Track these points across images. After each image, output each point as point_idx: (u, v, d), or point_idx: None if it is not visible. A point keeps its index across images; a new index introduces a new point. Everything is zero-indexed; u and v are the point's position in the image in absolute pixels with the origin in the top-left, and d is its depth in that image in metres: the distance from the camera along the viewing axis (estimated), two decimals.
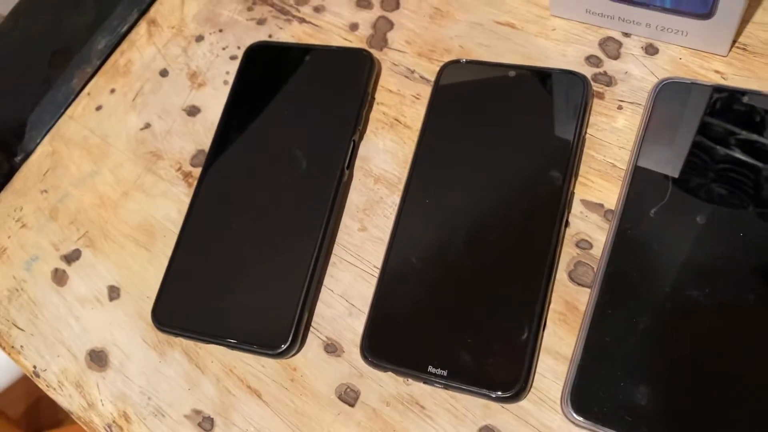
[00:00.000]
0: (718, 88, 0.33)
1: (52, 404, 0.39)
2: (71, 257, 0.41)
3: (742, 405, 0.28)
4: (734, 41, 0.35)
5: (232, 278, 0.36)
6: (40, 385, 0.39)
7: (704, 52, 0.35)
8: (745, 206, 0.31)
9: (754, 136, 0.32)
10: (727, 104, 0.33)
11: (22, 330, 0.40)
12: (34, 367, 0.39)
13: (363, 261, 0.36)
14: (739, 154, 0.32)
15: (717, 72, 0.35)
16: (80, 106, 0.46)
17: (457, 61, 0.38)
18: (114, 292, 0.39)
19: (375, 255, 0.36)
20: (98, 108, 0.45)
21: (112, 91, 0.46)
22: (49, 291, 0.41)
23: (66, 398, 0.38)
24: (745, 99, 0.33)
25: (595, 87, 0.36)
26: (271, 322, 0.35)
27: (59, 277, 0.41)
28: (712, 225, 0.31)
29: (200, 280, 0.37)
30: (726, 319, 0.29)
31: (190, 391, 0.36)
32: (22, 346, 0.40)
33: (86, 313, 0.39)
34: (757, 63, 0.34)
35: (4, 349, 0.40)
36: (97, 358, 0.38)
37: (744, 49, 0.35)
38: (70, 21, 0.47)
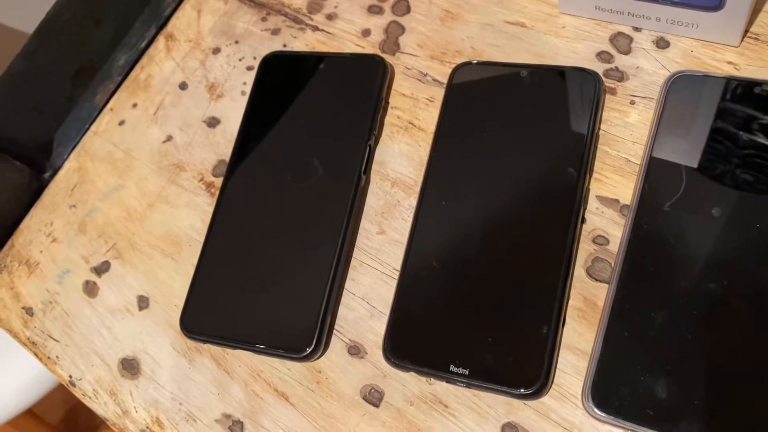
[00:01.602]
0: (730, 80, 0.33)
1: (89, 411, 0.41)
2: (101, 269, 0.43)
3: (765, 397, 0.28)
4: (746, 31, 0.35)
5: (255, 284, 0.37)
6: (76, 394, 0.40)
7: (716, 44, 0.35)
8: (762, 197, 0.31)
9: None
10: (740, 95, 0.33)
11: (57, 341, 0.42)
12: (70, 376, 0.41)
13: (383, 264, 0.37)
14: (753, 145, 0.32)
15: (730, 63, 0.35)
16: (104, 122, 0.47)
17: (468, 63, 0.38)
18: (143, 302, 0.41)
19: (394, 257, 0.37)
20: (121, 123, 0.47)
21: (134, 105, 0.47)
22: (81, 302, 0.42)
23: (101, 406, 0.39)
24: (758, 89, 0.32)
25: (607, 83, 0.36)
26: (296, 326, 0.35)
27: (90, 289, 0.42)
28: (728, 217, 0.31)
29: (225, 288, 0.38)
30: (745, 311, 0.29)
31: (219, 396, 0.37)
32: (57, 357, 0.41)
33: (117, 323, 0.41)
34: None
35: (41, 360, 0.42)
36: (129, 367, 0.39)
37: (756, 38, 0.35)
38: (92, 39, 0.49)
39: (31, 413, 0.83)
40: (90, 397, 0.40)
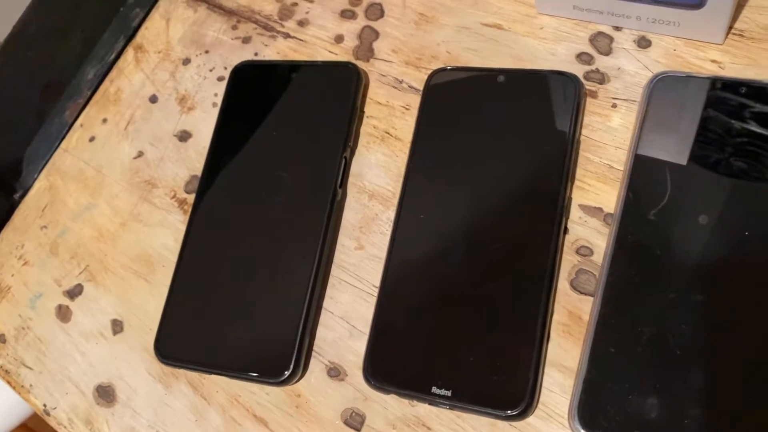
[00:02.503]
0: (715, 80, 0.32)
1: None
2: (74, 292, 0.41)
3: (756, 414, 0.27)
4: (730, 28, 0.33)
5: (230, 306, 0.36)
6: (50, 423, 0.39)
7: (699, 42, 0.34)
8: (751, 202, 0.30)
9: (755, 129, 0.30)
10: (724, 96, 0.31)
11: (31, 368, 0.40)
12: (44, 405, 0.39)
13: (362, 281, 0.36)
14: (740, 148, 0.30)
15: (714, 61, 0.33)
16: (74, 138, 0.46)
17: (443, 69, 0.37)
18: (117, 326, 0.39)
19: (374, 274, 0.35)
20: (91, 139, 0.45)
21: (104, 120, 0.45)
22: (55, 328, 0.41)
23: None
24: (744, 89, 0.31)
25: (588, 85, 0.35)
26: (273, 350, 0.34)
27: (63, 314, 0.41)
28: (716, 224, 0.30)
29: (199, 310, 0.36)
30: (735, 324, 0.28)
31: (196, 423, 0.36)
32: (31, 385, 0.40)
33: (91, 348, 0.39)
34: (755, 49, 0.33)
35: (14, 388, 0.41)
36: (105, 394, 0.38)
37: (741, 35, 0.33)
38: (59, 53, 0.47)
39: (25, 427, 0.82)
40: (65, 427, 0.38)
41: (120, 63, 0.47)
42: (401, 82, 0.39)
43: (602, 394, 0.29)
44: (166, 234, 0.40)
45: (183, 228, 0.39)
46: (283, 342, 0.34)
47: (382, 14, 0.41)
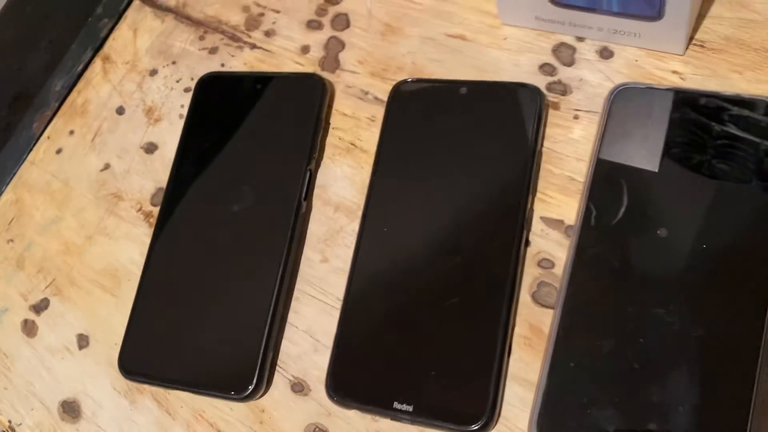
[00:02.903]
0: (675, 91, 0.32)
1: None
2: (40, 307, 0.41)
3: (714, 426, 0.27)
4: (691, 38, 0.34)
5: (194, 321, 0.36)
6: None
7: (661, 52, 0.34)
8: (710, 215, 0.30)
9: (715, 141, 0.30)
10: (685, 107, 0.31)
11: None
12: (9, 421, 0.39)
13: (326, 294, 0.35)
14: (700, 161, 0.30)
15: (675, 72, 0.33)
16: (41, 151, 0.45)
17: (405, 81, 0.36)
18: (83, 341, 0.39)
19: (338, 287, 0.35)
20: (58, 151, 0.45)
21: (71, 132, 0.45)
22: (20, 343, 0.40)
23: None
24: (704, 101, 0.31)
25: (550, 97, 0.35)
26: (236, 365, 0.34)
27: (29, 328, 0.41)
28: (675, 237, 0.30)
29: (163, 325, 0.36)
30: (693, 338, 0.28)
31: None
32: None
33: (57, 363, 0.39)
34: (716, 60, 0.33)
35: None
36: (70, 409, 0.38)
37: (702, 45, 0.33)
38: (27, 64, 0.47)
39: None
40: None
41: (87, 74, 0.46)
42: (367, 93, 0.39)
43: (562, 407, 0.29)
44: (132, 247, 0.40)
45: (148, 241, 0.39)
46: (247, 357, 0.34)
47: (348, 25, 0.41)
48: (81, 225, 0.42)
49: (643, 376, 0.28)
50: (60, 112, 0.46)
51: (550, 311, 0.31)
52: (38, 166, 0.45)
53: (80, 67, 0.47)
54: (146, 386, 0.37)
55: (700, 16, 0.34)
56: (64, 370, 0.39)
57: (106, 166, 0.43)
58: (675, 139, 0.31)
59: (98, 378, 0.38)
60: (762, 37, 0.33)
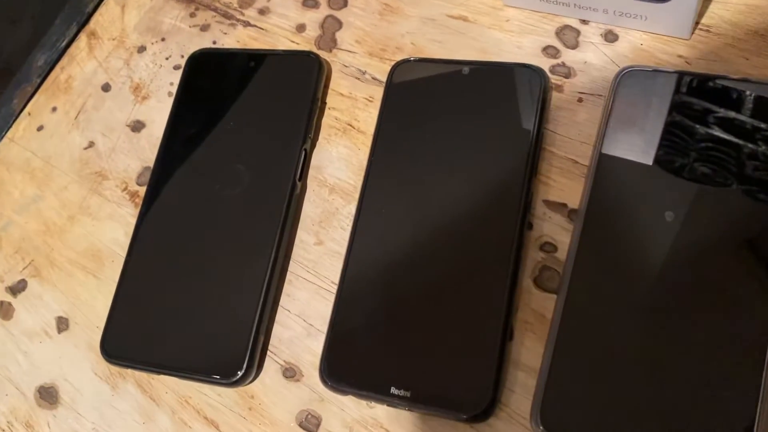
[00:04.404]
0: (681, 74, 0.31)
1: None
2: (17, 288, 0.39)
3: (721, 415, 0.26)
4: (697, 23, 0.33)
5: (182, 303, 0.34)
6: None
7: (666, 36, 0.33)
8: (718, 199, 0.29)
9: (720, 124, 0.30)
10: (692, 90, 0.31)
11: None
12: None
13: (320, 277, 0.34)
14: (707, 143, 0.30)
15: (680, 57, 0.33)
16: (21, 127, 0.44)
17: (407, 60, 0.35)
18: (62, 324, 0.37)
19: (333, 270, 0.34)
20: (40, 128, 0.43)
21: (54, 109, 0.43)
22: None
23: None
24: (711, 83, 0.31)
25: (554, 79, 0.34)
26: (225, 349, 0.33)
27: (5, 311, 0.39)
28: (683, 221, 0.29)
29: (149, 308, 0.35)
30: (701, 323, 0.27)
31: (144, 426, 0.34)
32: None
33: (34, 347, 0.37)
34: (721, 44, 0.33)
35: None
36: (48, 395, 0.36)
37: (707, 30, 0.33)
38: (8, 39, 0.45)
39: None
40: (4, 430, 0.36)
41: (72, 50, 0.45)
42: (364, 73, 0.38)
43: (564, 393, 0.28)
44: (116, 228, 0.39)
45: (134, 222, 0.37)
46: (236, 341, 0.32)
47: (345, 4, 0.40)
48: (62, 204, 0.40)
49: (647, 363, 0.27)
50: (42, 89, 0.44)
51: (553, 296, 0.30)
52: (18, 143, 0.43)
53: (64, 43, 0.45)
54: (129, 371, 0.35)
55: (706, 1, 0.33)
56: (42, 355, 0.37)
57: (90, 144, 0.41)
58: (682, 123, 0.30)
59: (78, 362, 0.36)
60: (767, 21, 0.32)
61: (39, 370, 0.37)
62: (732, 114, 0.30)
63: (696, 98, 0.31)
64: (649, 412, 0.27)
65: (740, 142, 0.29)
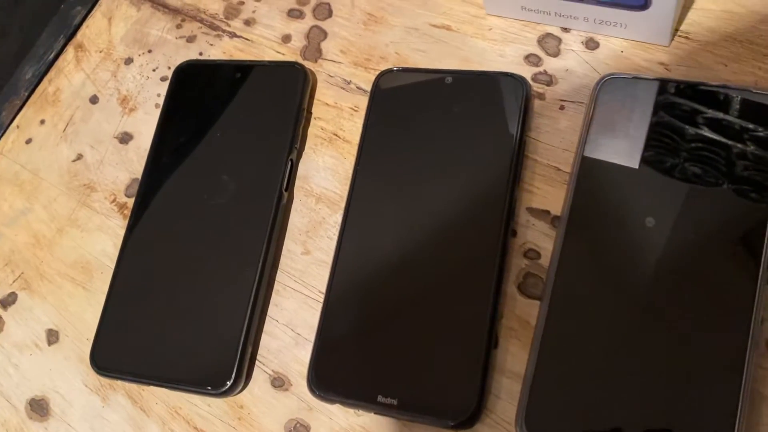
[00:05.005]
0: (661, 81, 0.32)
1: None
2: (7, 301, 0.39)
3: (701, 417, 0.27)
4: (676, 30, 0.33)
5: (170, 314, 0.34)
6: None
7: (646, 44, 0.34)
8: (698, 205, 0.29)
9: (701, 131, 0.30)
10: (672, 97, 0.31)
11: None
12: None
13: (308, 287, 0.34)
14: (687, 149, 0.30)
15: (660, 63, 0.33)
16: (9, 140, 0.44)
17: (390, 70, 0.36)
18: (53, 336, 0.38)
19: (320, 279, 0.34)
20: (28, 141, 0.43)
21: (42, 122, 0.44)
22: None
23: None
24: (689, 91, 0.31)
25: (536, 87, 0.34)
26: (214, 360, 0.33)
27: None
28: (663, 227, 0.29)
29: (138, 319, 0.35)
30: (684, 328, 0.28)
31: None
32: None
33: (25, 359, 0.38)
34: (700, 51, 0.33)
35: None
36: (38, 407, 0.36)
37: (687, 37, 0.33)
38: None
39: None
40: None
41: (59, 62, 0.45)
42: (349, 83, 0.38)
43: (549, 399, 0.28)
44: (105, 240, 0.39)
45: (122, 233, 0.38)
46: (225, 351, 0.33)
47: (330, 14, 0.40)
48: (51, 217, 0.41)
49: (631, 368, 0.28)
50: (30, 101, 0.45)
51: (537, 302, 0.31)
52: (7, 156, 0.43)
53: (52, 55, 0.45)
54: (119, 382, 0.35)
55: (686, 8, 0.34)
56: (33, 367, 0.37)
57: (79, 157, 0.42)
58: (662, 129, 0.31)
59: (68, 374, 0.36)
60: (746, 29, 0.33)
61: (29, 382, 0.37)
62: (711, 121, 0.30)
63: (675, 105, 0.31)
64: (633, 417, 0.27)
65: (721, 148, 0.30)
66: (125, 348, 0.34)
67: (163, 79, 0.41)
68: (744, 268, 0.28)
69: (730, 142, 0.30)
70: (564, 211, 0.31)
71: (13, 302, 0.39)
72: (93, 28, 0.45)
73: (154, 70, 0.42)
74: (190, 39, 0.42)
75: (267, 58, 0.40)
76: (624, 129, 0.31)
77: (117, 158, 0.41)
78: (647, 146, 0.31)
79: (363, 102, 0.37)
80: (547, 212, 0.32)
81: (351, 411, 0.31)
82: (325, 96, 0.38)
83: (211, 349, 0.33)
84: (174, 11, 0.43)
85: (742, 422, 0.26)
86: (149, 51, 0.43)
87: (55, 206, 0.41)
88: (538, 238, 0.32)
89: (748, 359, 0.27)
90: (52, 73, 0.45)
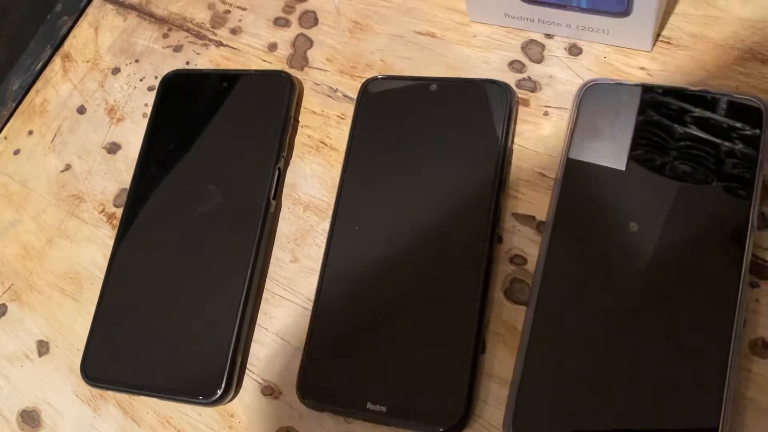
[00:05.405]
0: (643, 87, 0.32)
1: None
2: None
3: (687, 420, 0.27)
4: (658, 35, 0.34)
5: (160, 324, 0.34)
6: None
7: (628, 49, 0.34)
8: (680, 209, 0.30)
9: (683, 135, 0.31)
10: (654, 103, 0.31)
11: None
12: None
13: (297, 294, 0.35)
14: (670, 155, 0.31)
15: (642, 69, 0.34)
16: None
17: (375, 78, 0.36)
18: (43, 347, 0.38)
19: (309, 287, 0.34)
20: (16, 152, 0.43)
21: (30, 132, 0.44)
22: None
23: None
24: (671, 96, 0.31)
25: (520, 94, 0.35)
26: (204, 369, 0.33)
27: None
28: (646, 231, 0.30)
29: (127, 329, 0.35)
30: (668, 331, 0.28)
31: None
32: None
33: (16, 371, 0.38)
34: (682, 56, 0.33)
35: None
36: (30, 419, 0.36)
37: (668, 42, 0.34)
38: None
39: None
40: None
41: (47, 73, 0.45)
42: (336, 90, 0.38)
43: (536, 404, 0.29)
44: (94, 250, 0.39)
45: (111, 244, 0.38)
46: (215, 360, 0.33)
47: (316, 22, 0.40)
48: (40, 228, 0.41)
49: (617, 372, 0.28)
50: (18, 112, 0.45)
51: (523, 308, 0.31)
52: None
53: (39, 66, 0.45)
54: (110, 393, 0.35)
55: (667, 13, 0.34)
56: (24, 378, 0.37)
57: (67, 167, 0.42)
58: (645, 134, 0.31)
59: (59, 385, 0.37)
60: (727, 33, 0.33)
61: (21, 393, 0.37)
62: (693, 125, 0.31)
63: (657, 110, 0.31)
64: (618, 420, 0.27)
65: (703, 153, 0.30)
66: (116, 358, 0.35)
67: (150, 88, 0.42)
68: (726, 271, 0.28)
69: (712, 147, 0.30)
70: (549, 216, 0.31)
71: (3, 314, 0.39)
72: (80, 38, 0.45)
73: (141, 80, 0.42)
74: (177, 48, 0.42)
75: (253, 67, 0.40)
76: (607, 134, 0.32)
77: (105, 168, 0.41)
78: (631, 151, 0.31)
79: (350, 109, 0.37)
80: (533, 218, 0.32)
81: (341, 418, 0.32)
82: (311, 104, 0.38)
83: (201, 358, 0.33)
84: (160, 20, 0.43)
85: (725, 425, 0.26)
86: (136, 61, 0.43)
87: (44, 217, 0.41)
88: (524, 244, 0.32)
89: (731, 362, 0.27)
90: (39, 84, 0.45)
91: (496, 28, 0.36)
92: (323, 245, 0.35)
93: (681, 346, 0.28)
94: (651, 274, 0.29)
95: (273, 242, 0.36)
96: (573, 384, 0.28)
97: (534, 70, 0.35)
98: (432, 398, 0.30)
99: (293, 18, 0.41)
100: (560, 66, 0.35)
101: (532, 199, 0.33)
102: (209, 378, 0.33)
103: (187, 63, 0.42)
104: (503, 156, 0.33)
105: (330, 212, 0.35)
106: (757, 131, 0.30)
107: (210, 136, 0.38)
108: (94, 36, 0.45)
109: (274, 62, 0.40)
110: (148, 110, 0.41)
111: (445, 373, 0.30)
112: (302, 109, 0.38)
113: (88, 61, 0.44)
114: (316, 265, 0.35)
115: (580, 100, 0.32)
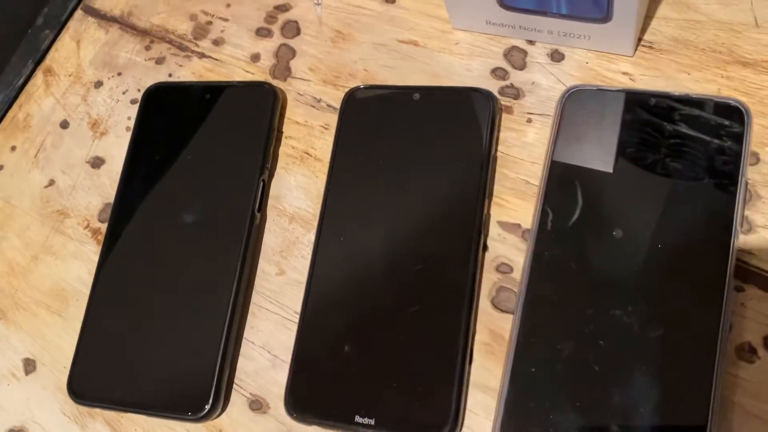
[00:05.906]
0: (625, 92, 0.32)
1: None
2: None
3: (676, 426, 0.27)
4: (639, 40, 0.34)
5: (146, 340, 0.34)
6: None
7: (610, 54, 0.34)
8: (664, 215, 0.30)
9: (665, 140, 0.31)
10: (636, 108, 0.31)
11: None
12: None
13: (283, 307, 0.34)
14: (652, 160, 0.31)
15: (625, 74, 0.34)
16: None
17: (358, 88, 0.36)
18: (30, 365, 0.37)
19: (296, 300, 0.34)
20: None
21: (13, 148, 0.43)
22: None
23: None
24: (653, 101, 0.31)
25: (503, 101, 0.35)
26: (191, 384, 0.33)
27: None
28: (630, 238, 0.30)
29: (114, 346, 0.35)
30: (653, 337, 0.28)
31: None
32: None
33: (2, 390, 0.37)
34: (664, 60, 0.33)
35: None
36: None
37: (650, 47, 0.34)
38: None
39: None
40: None
41: (29, 87, 0.45)
42: (319, 101, 0.38)
43: (524, 413, 0.28)
44: (79, 266, 0.39)
45: (97, 259, 0.37)
46: (202, 375, 0.33)
47: (298, 32, 0.40)
48: (25, 244, 0.40)
49: (604, 378, 0.28)
50: (0, 128, 0.44)
51: (510, 316, 0.31)
52: None
53: (21, 81, 0.45)
54: (98, 410, 0.35)
55: (648, 18, 0.34)
56: (10, 397, 0.37)
57: (51, 183, 0.41)
58: (627, 140, 0.31)
59: (46, 404, 0.36)
60: (707, 37, 0.33)
61: (8, 413, 0.37)
62: (676, 129, 0.31)
63: (640, 116, 0.31)
64: (605, 427, 0.27)
65: (686, 157, 0.30)
66: (102, 375, 0.34)
67: (133, 101, 0.41)
68: (711, 276, 0.28)
69: (695, 152, 0.30)
70: (533, 223, 0.31)
71: None
72: (62, 52, 0.45)
73: (124, 93, 0.42)
74: (159, 60, 0.42)
75: (236, 78, 0.40)
76: (590, 141, 0.32)
77: (89, 183, 0.40)
78: (613, 157, 0.31)
79: (333, 120, 0.37)
80: (518, 225, 0.32)
81: None
82: (295, 114, 0.38)
83: (189, 373, 0.33)
84: (142, 32, 0.43)
85: (713, 429, 0.26)
86: (119, 74, 0.43)
87: (28, 234, 0.41)
88: (510, 252, 0.32)
89: (717, 367, 0.27)
90: (21, 99, 0.45)
91: (478, 35, 0.36)
92: (309, 257, 0.34)
93: (667, 351, 0.28)
94: (636, 279, 0.29)
95: (259, 255, 0.36)
96: (561, 392, 0.28)
97: (517, 77, 0.35)
98: (420, 410, 0.30)
99: (275, 28, 0.40)
100: (543, 72, 0.35)
101: (517, 207, 0.33)
102: (197, 393, 0.32)
103: (170, 75, 0.41)
104: (487, 164, 0.32)
105: (315, 223, 0.35)
106: (740, 135, 0.30)
107: (193, 148, 0.38)
108: (76, 49, 0.44)
109: (257, 73, 0.40)
110: (132, 123, 0.40)
111: (434, 384, 0.30)
112: (286, 120, 0.38)
113: (70, 75, 0.44)
114: (303, 277, 0.34)
115: (562, 107, 0.32)
